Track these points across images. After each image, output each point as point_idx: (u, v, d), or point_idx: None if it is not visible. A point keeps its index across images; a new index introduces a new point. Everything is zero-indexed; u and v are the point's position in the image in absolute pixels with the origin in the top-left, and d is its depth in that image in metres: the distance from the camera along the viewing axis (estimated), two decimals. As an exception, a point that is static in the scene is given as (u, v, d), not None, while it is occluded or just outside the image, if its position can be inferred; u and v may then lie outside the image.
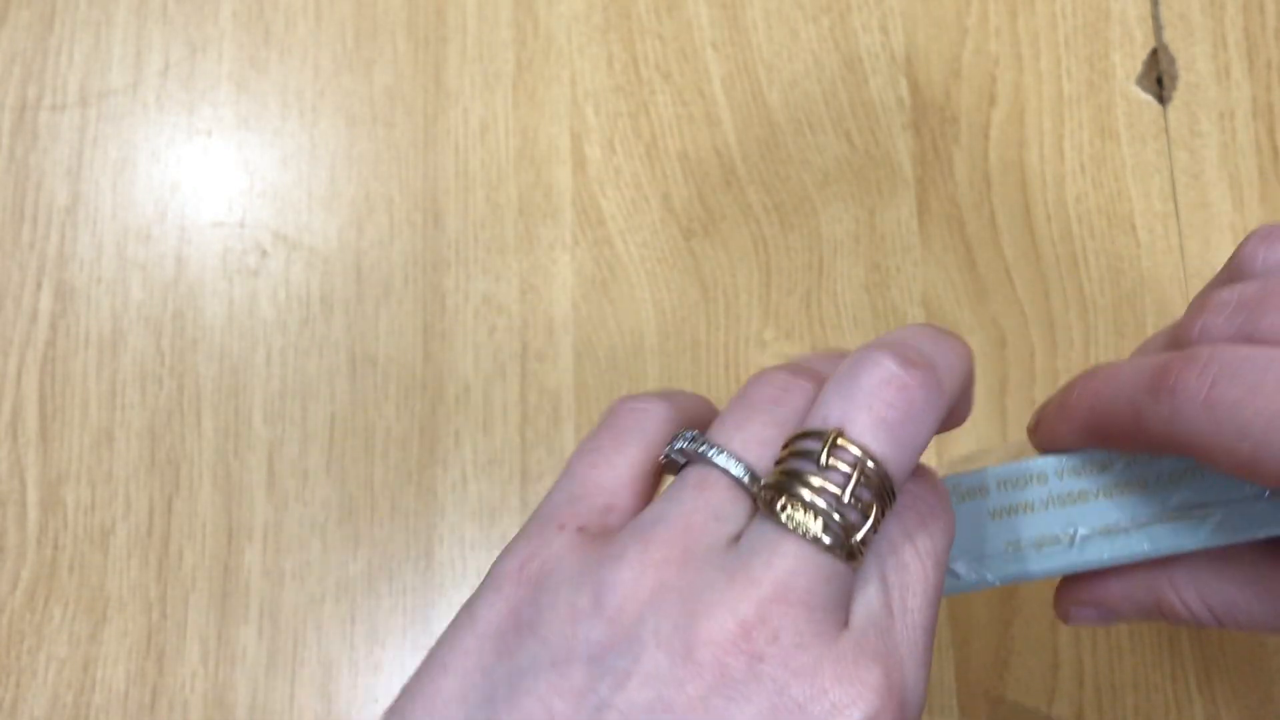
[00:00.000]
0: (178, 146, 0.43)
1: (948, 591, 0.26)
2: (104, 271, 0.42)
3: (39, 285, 0.42)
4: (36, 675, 0.38)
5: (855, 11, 0.45)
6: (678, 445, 0.23)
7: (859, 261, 0.42)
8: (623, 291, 0.42)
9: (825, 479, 0.21)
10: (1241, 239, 0.43)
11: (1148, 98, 0.44)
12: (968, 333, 0.42)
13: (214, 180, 0.43)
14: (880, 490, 0.21)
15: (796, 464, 0.21)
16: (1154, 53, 0.45)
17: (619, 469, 0.23)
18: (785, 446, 0.22)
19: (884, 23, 0.45)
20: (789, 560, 0.20)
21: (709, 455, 0.22)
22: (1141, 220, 0.43)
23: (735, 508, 0.22)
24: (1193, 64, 0.45)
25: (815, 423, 0.22)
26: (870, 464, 0.21)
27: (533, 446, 0.41)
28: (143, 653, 0.39)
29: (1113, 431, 0.24)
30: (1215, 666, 0.39)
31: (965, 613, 0.39)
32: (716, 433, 0.23)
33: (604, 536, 0.22)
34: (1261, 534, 0.25)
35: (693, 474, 0.22)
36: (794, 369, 0.23)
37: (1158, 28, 0.45)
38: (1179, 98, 0.44)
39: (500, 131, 0.43)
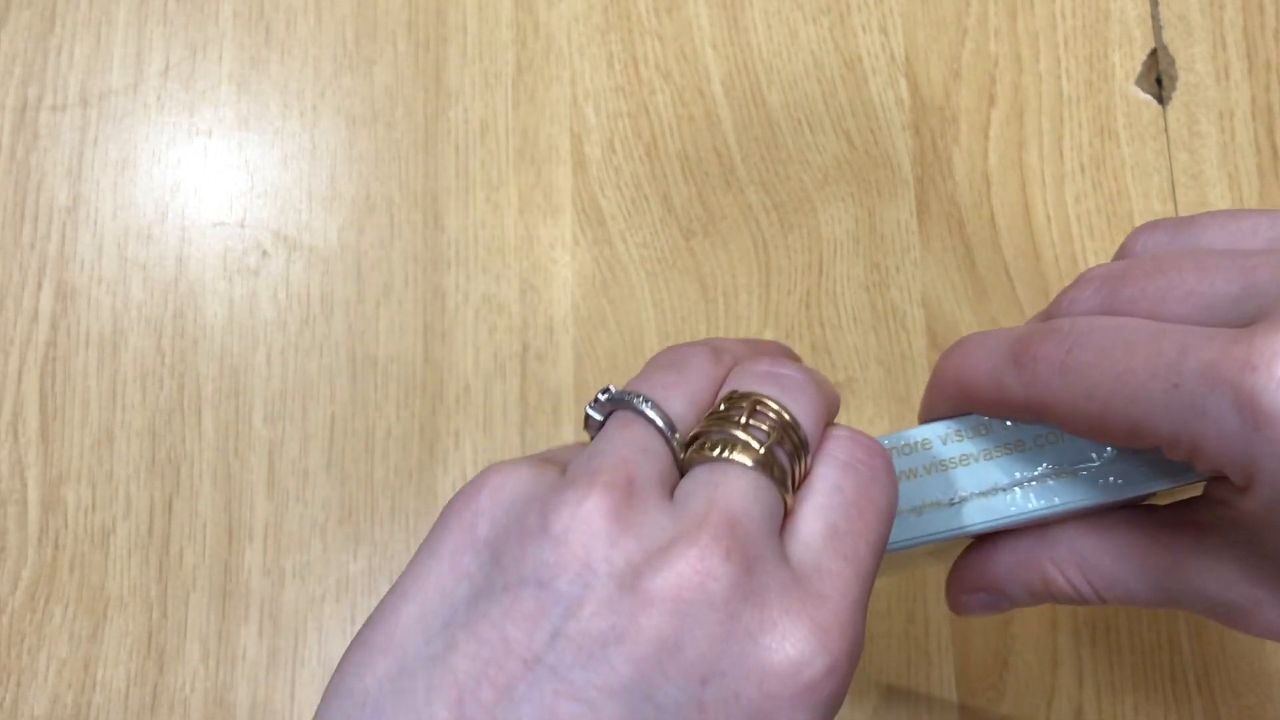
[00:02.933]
0: (178, 147, 0.43)
1: None
2: (104, 271, 0.42)
3: (40, 285, 0.42)
4: (37, 675, 0.38)
5: (855, 12, 0.45)
6: (599, 398, 0.24)
7: (859, 261, 0.42)
8: (623, 291, 0.42)
9: (751, 423, 0.23)
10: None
11: (1147, 98, 0.44)
12: (967, 333, 0.42)
13: (214, 180, 0.43)
14: (797, 439, 0.23)
15: (723, 414, 0.23)
16: (1153, 53, 0.45)
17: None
18: (711, 412, 0.24)
19: (884, 23, 0.45)
20: (733, 487, 0.22)
21: (631, 402, 0.23)
22: (1141, 220, 0.43)
23: (658, 446, 0.23)
24: (1192, 64, 0.45)
25: (732, 389, 0.24)
26: (786, 417, 0.23)
27: (533, 446, 0.41)
28: (143, 652, 0.39)
29: (977, 399, 0.26)
30: (1215, 666, 0.39)
31: (965, 612, 0.39)
32: (632, 386, 0.24)
33: (557, 465, 0.23)
34: (1123, 497, 0.26)
35: (616, 419, 0.24)
36: (689, 344, 0.26)
37: (1157, 28, 0.45)
38: (1178, 98, 0.44)
39: (500, 131, 0.43)
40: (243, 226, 0.43)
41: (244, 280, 0.42)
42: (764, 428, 0.23)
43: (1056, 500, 0.26)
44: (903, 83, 0.44)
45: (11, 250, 0.42)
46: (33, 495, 0.40)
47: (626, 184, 0.43)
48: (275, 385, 0.41)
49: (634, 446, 0.23)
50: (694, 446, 0.23)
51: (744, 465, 0.22)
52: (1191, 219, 0.25)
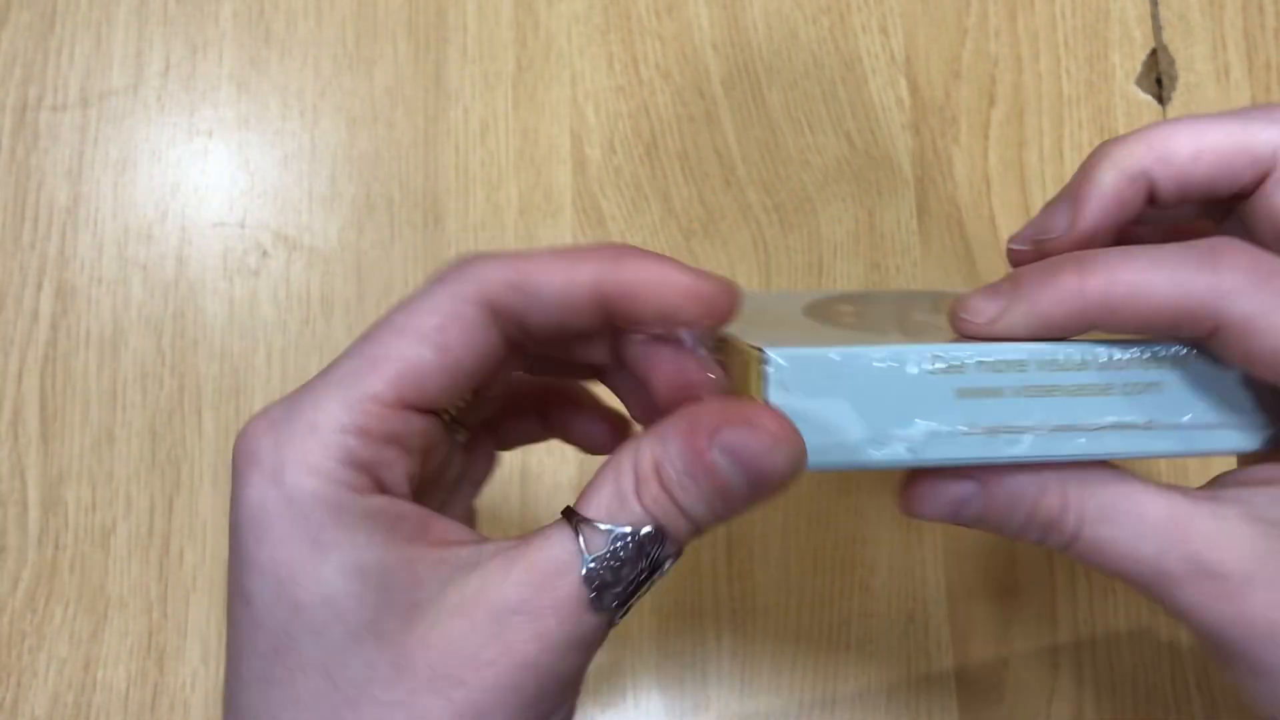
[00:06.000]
0: (178, 147, 0.43)
1: (884, 466, 0.25)
2: (105, 271, 0.42)
3: (40, 285, 0.42)
4: (37, 675, 0.38)
5: (855, 11, 0.45)
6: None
7: (859, 261, 0.42)
8: (623, 291, 0.42)
9: None
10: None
11: (1147, 98, 0.44)
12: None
13: (215, 180, 0.43)
14: None
15: None
16: (1153, 53, 0.45)
17: None
18: None
19: (884, 23, 0.45)
20: None
21: None
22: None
23: None
24: (1192, 64, 0.45)
25: None
26: None
27: (532, 445, 0.41)
28: (144, 652, 0.39)
29: (1139, 312, 0.24)
30: (1215, 666, 0.39)
31: (965, 612, 0.39)
32: None
33: None
34: (1191, 453, 0.25)
35: None
36: None
37: (1157, 28, 0.45)
38: (1178, 98, 0.44)
39: (500, 131, 0.43)
40: (243, 226, 0.43)
41: (244, 280, 0.42)
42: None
43: (1127, 449, 0.25)
44: (903, 83, 0.44)
45: (11, 250, 0.42)
46: (33, 495, 0.40)
47: (626, 184, 0.43)
48: (275, 385, 0.41)
49: None
50: None
51: None
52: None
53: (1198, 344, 0.25)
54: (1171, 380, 0.25)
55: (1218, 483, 0.27)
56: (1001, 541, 0.40)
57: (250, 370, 0.41)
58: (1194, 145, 0.27)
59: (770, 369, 0.24)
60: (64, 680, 0.38)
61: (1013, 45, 0.45)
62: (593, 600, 0.22)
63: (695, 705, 0.39)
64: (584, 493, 0.24)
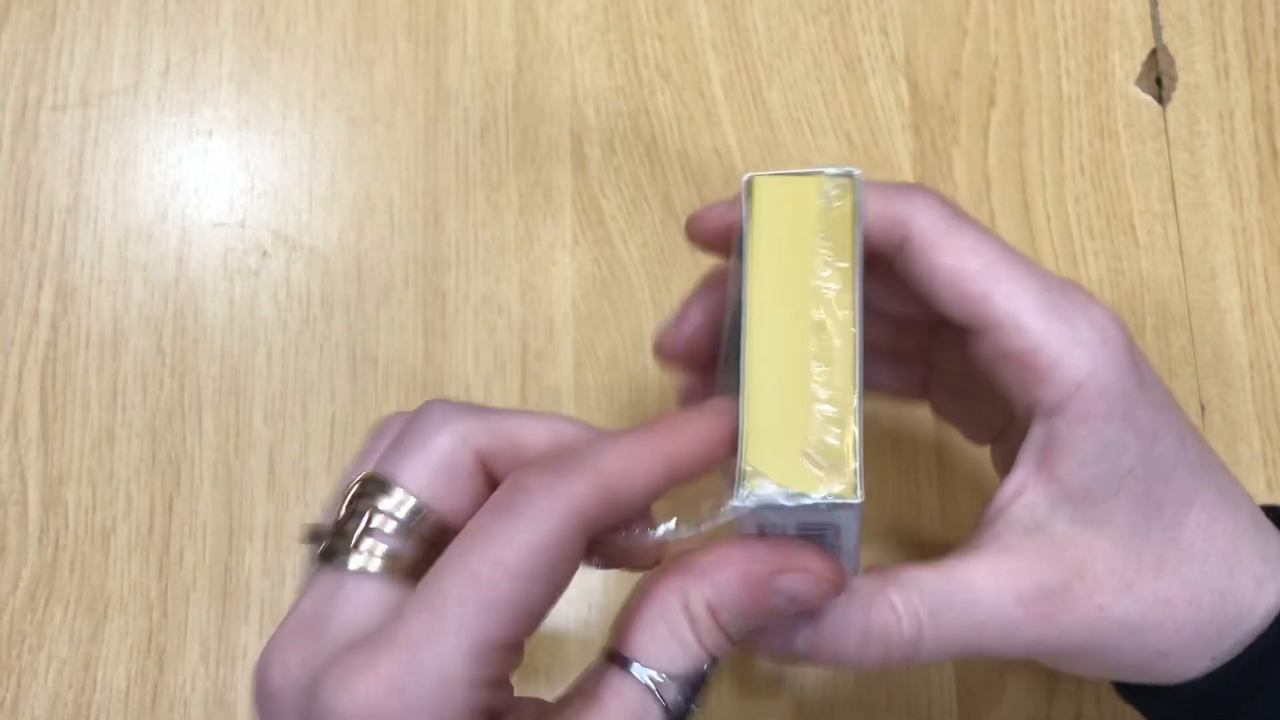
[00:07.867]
0: (179, 146, 0.43)
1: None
2: (105, 271, 0.42)
3: (40, 285, 0.42)
4: (37, 675, 0.38)
5: (855, 11, 0.45)
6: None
7: (859, 261, 0.42)
8: (623, 291, 0.42)
9: (352, 513, 0.25)
10: (1239, 239, 0.42)
11: (1147, 98, 0.44)
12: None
13: (215, 180, 0.43)
14: (356, 494, 0.25)
15: (342, 512, 0.26)
16: (1153, 53, 0.45)
17: None
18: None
19: (884, 23, 0.45)
20: (308, 589, 0.25)
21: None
22: (1141, 220, 0.43)
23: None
24: (1192, 64, 0.45)
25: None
26: (385, 499, 0.25)
27: (533, 446, 0.41)
28: (144, 652, 0.39)
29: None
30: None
31: (965, 612, 0.39)
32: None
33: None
34: None
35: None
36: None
37: (1157, 28, 0.45)
38: (1178, 98, 0.44)
39: (500, 131, 0.43)
40: (243, 226, 0.43)
41: (244, 280, 0.42)
42: (361, 518, 0.25)
43: None
44: (903, 83, 0.44)
45: (11, 250, 0.42)
46: (33, 495, 0.40)
47: (626, 184, 0.43)
48: (275, 385, 0.41)
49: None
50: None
51: (323, 569, 0.25)
52: None
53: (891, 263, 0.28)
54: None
55: (983, 525, 0.29)
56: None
57: (250, 370, 0.41)
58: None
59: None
60: (64, 680, 0.38)
61: (1013, 45, 0.45)
62: None
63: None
64: (626, 633, 0.24)
